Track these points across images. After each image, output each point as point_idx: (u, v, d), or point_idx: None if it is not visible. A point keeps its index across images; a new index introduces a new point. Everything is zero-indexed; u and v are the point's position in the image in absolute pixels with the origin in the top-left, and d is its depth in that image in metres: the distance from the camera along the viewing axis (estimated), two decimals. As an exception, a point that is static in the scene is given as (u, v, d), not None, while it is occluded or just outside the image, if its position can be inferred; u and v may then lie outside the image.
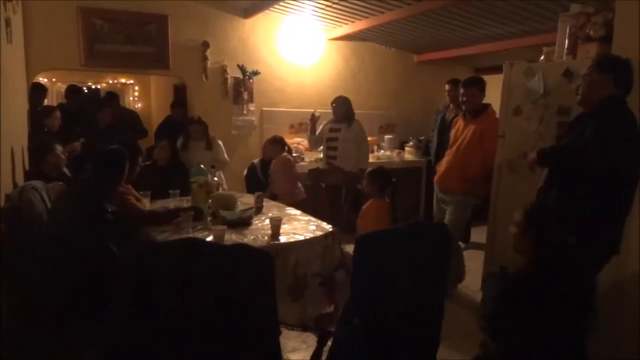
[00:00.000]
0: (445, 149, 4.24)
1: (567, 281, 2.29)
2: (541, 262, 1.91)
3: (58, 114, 4.21)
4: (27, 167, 3.47)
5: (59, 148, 3.24)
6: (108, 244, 2.14)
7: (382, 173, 3.23)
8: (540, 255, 1.89)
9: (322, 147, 4.65)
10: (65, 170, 3.40)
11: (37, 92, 4.49)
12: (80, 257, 2.10)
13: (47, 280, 2.19)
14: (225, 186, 4.33)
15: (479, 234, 5.16)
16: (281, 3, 4.77)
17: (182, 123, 5.26)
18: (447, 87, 4.66)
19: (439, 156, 4.86)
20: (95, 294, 2.09)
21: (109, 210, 2.24)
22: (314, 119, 4.55)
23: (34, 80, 4.48)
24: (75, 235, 2.13)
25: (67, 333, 2.15)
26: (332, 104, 4.48)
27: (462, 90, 3.56)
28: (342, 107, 4.39)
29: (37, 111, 4.27)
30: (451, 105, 4.63)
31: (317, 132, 4.57)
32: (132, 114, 5.78)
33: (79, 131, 4.49)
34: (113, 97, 5.74)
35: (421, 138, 5.95)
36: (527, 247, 1.94)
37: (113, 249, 2.12)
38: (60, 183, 2.88)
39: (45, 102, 5.33)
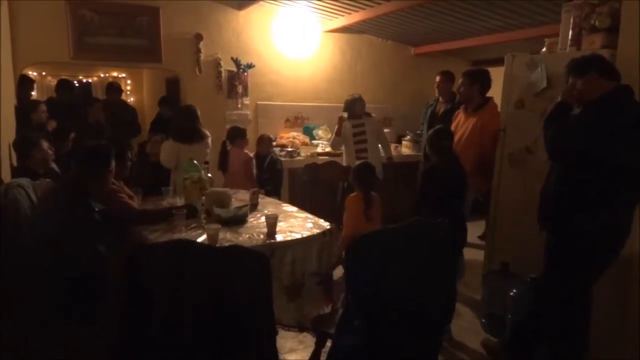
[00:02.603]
0: None
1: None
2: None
3: (43, 107, 4.10)
4: (14, 164, 3.37)
5: (45, 143, 3.13)
6: (95, 245, 2.05)
7: (364, 168, 3.25)
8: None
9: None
10: (54, 165, 3.29)
11: (23, 84, 4.37)
12: (66, 259, 2.01)
13: (33, 282, 2.11)
14: None
15: (478, 229, 5.11)
16: (276, -6, 4.68)
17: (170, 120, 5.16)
18: (437, 78, 4.55)
19: None
20: (83, 296, 2.01)
21: (96, 209, 2.15)
22: (341, 121, 4.52)
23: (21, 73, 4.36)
24: (61, 236, 2.04)
25: (55, 336, 2.07)
26: (347, 101, 4.52)
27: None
28: (362, 104, 4.44)
29: (23, 105, 4.16)
30: (440, 98, 4.54)
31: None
32: (129, 110, 5.68)
33: (69, 126, 4.38)
34: (112, 88, 5.63)
35: (418, 132, 5.88)
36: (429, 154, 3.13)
37: (101, 250, 2.03)
38: (48, 180, 2.78)
39: (35, 95, 5.23)
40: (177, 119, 4.00)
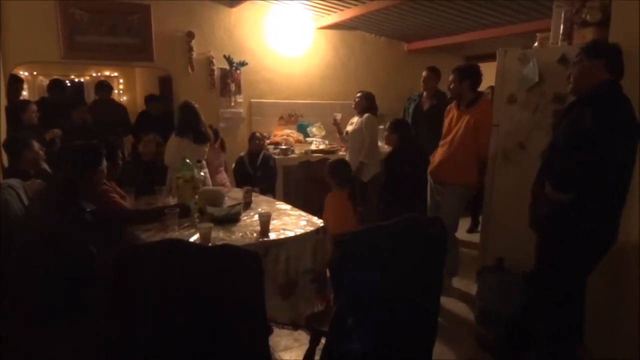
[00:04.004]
0: (421, 139, 4.16)
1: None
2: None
3: (34, 107, 4.06)
4: (5, 164, 3.35)
5: (36, 144, 3.10)
6: (87, 246, 2.03)
7: (341, 165, 3.30)
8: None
9: None
10: (45, 166, 3.26)
11: (13, 84, 4.33)
12: (59, 260, 1.99)
13: (25, 284, 2.09)
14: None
15: (468, 224, 5.13)
16: (268, -9, 4.65)
17: (162, 118, 5.12)
18: (424, 74, 4.51)
19: None
20: (76, 297, 2.00)
21: (88, 209, 2.13)
22: (336, 123, 4.64)
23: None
24: (53, 237, 2.02)
25: (50, 336, 2.06)
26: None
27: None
28: (362, 102, 4.41)
29: (14, 105, 4.12)
30: (425, 94, 4.52)
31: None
32: (120, 109, 5.64)
33: (60, 125, 4.35)
34: (102, 87, 5.58)
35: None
36: (392, 141, 3.69)
37: (92, 251, 2.01)
38: (39, 181, 2.76)
39: (26, 95, 5.18)
40: (191, 119, 3.87)
